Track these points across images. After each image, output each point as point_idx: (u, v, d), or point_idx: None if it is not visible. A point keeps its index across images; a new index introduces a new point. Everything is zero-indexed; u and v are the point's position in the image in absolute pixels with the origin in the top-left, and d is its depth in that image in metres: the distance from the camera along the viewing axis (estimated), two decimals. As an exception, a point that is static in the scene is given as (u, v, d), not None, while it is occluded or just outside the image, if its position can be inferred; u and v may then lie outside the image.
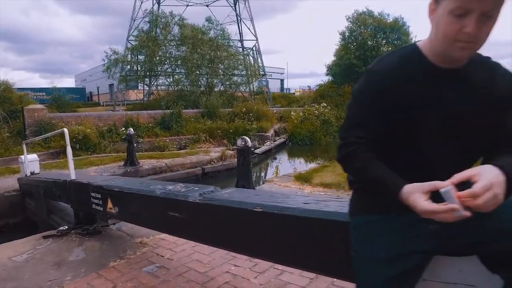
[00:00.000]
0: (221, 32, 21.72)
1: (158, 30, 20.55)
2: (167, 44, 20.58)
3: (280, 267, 2.44)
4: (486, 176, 0.83)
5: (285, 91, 48.17)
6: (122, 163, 7.64)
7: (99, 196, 2.99)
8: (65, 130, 3.52)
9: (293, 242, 1.59)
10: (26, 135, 10.57)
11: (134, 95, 27.13)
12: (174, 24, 20.69)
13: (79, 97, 31.56)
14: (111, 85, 30.94)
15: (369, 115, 1.04)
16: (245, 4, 28.29)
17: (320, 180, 5.53)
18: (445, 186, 0.84)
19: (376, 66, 1.06)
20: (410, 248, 1.01)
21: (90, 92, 37.62)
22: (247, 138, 4.69)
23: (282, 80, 55.10)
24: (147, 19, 21.41)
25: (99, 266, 2.74)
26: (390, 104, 1.00)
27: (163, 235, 3.23)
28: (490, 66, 1.05)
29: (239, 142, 4.74)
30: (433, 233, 1.01)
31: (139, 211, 2.61)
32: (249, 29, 28.57)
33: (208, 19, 21.49)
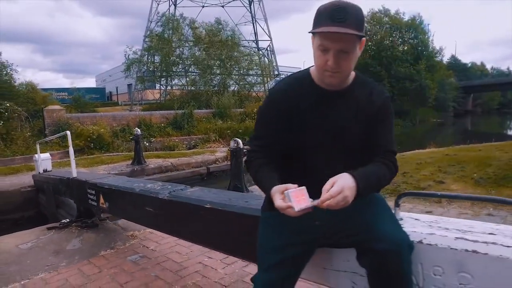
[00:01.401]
0: (231, 33, 22.01)
1: (170, 32, 21.16)
2: (180, 46, 21.14)
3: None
4: (340, 183, 1.04)
5: (301, 90, 48.01)
6: (131, 162, 8.07)
7: (93, 192, 3.34)
8: (68, 132, 3.90)
9: (236, 235, 1.85)
10: (46, 134, 11.24)
11: (152, 95, 27.93)
12: (187, 26, 21.25)
13: (99, 97, 32.70)
14: (129, 85, 31.89)
15: (266, 128, 1.29)
16: (259, 4, 28.58)
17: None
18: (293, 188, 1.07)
19: (274, 87, 1.31)
20: (297, 240, 1.24)
21: (110, 92, 38.83)
22: (239, 140, 4.96)
23: (298, 80, 54.95)
24: (159, 22, 22.06)
25: (91, 254, 3.08)
26: (285, 119, 1.24)
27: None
28: (369, 86, 1.26)
29: (232, 143, 5.01)
30: (318, 227, 1.24)
31: (124, 206, 2.93)
32: (263, 29, 28.85)
33: (217, 21, 21.84)
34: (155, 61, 22.59)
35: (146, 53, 21.59)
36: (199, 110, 16.62)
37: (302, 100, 1.23)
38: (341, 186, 1.04)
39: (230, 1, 28.32)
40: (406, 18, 28.30)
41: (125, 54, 21.14)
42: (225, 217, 1.84)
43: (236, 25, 28.15)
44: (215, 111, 16.61)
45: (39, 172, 5.62)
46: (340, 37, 1.06)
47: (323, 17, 1.08)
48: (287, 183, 1.12)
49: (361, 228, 1.15)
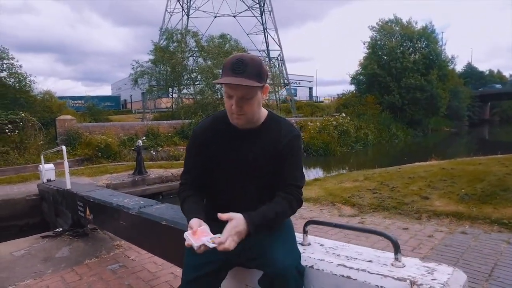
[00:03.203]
0: (235, 43, 22.43)
1: (174, 45, 21.92)
2: (187, 57, 21.83)
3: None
4: (229, 229, 1.19)
5: (313, 99, 48.21)
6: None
7: (81, 204, 3.59)
8: (63, 147, 4.20)
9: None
10: (57, 143, 11.73)
11: (164, 104, 28.56)
12: (191, 39, 21.99)
13: (114, 105, 33.70)
14: (143, 93, 32.74)
15: (191, 163, 1.48)
16: (270, 15, 29.01)
17: (304, 194, 5.83)
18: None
19: (197, 126, 1.50)
20: (211, 258, 1.41)
21: (125, 100, 39.88)
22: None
23: (310, 88, 55.10)
24: (164, 36, 22.79)
25: (76, 262, 3.31)
26: (204, 155, 1.43)
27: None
28: (279, 124, 1.43)
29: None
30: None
31: (104, 218, 3.16)
32: (273, 39, 29.22)
33: (222, 36, 22.36)
34: (167, 70, 23.20)
35: (154, 65, 22.28)
36: (207, 120, 16.96)
37: (219, 138, 1.41)
38: (229, 233, 1.19)
39: (242, 12, 28.89)
40: (419, 27, 28.07)
41: (132, 68, 21.95)
42: (177, 234, 2.02)
43: (247, 34, 28.70)
44: (222, 121, 16.89)
45: (43, 182, 5.96)
46: (239, 86, 1.24)
47: (226, 68, 1.27)
48: (213, 211, 1.28)
49: (258, 253, 1.31)
